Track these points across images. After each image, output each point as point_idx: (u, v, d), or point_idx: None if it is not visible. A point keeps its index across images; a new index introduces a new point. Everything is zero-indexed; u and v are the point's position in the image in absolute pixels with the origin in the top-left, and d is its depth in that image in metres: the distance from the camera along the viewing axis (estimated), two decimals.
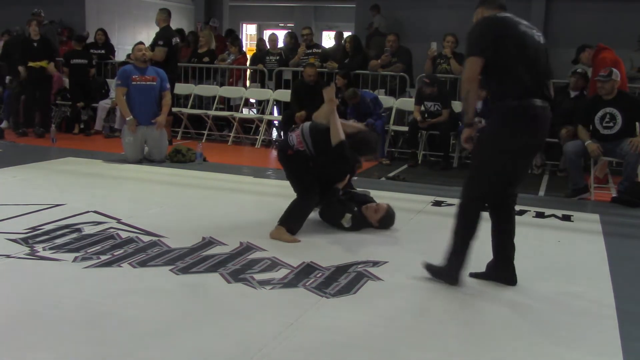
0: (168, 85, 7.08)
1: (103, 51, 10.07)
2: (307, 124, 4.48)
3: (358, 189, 4.86)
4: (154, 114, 6.87)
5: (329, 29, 14.31)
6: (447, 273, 3.42)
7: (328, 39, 17.10)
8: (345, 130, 4.32)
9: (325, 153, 4.31)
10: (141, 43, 7.23)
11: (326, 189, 4.44)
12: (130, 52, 10.73)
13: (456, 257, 3.37)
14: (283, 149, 4.50)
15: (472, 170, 3.49)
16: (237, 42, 10.16)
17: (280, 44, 9.82)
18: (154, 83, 6.90)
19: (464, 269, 3.41)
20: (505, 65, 3.23)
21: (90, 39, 10.68)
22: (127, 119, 6.73)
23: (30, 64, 8.73)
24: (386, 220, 4.51)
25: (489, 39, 3.26)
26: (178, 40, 8.38)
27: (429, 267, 3.51)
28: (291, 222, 4.24)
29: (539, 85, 3.24)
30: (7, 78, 9.31)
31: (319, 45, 9.85)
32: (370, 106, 7.66)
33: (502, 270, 3.48)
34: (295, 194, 4.44)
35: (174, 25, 8.91)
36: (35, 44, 8.82)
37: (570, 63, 7.85)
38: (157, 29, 8.16)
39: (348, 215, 4.42)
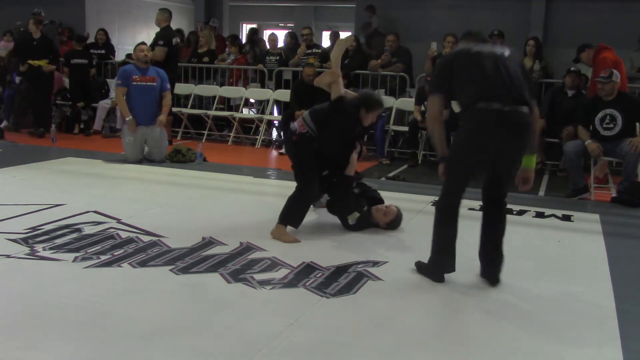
0: (168, 86, 7.08)
1: (103, 51, 10.07)
2: (307, 111, 4.48)
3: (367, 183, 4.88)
4: (154, 114, 6.86)
5: (329, 29, 14.29)
6: (431, 270, 3.53)
7: (328, 39, 17.07)
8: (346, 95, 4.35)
9: (328, 126, 4.27)
10: (143, 43, 7.21)
11: (334, 171, 4.41)
12: (131, 51, 10.83)
13: (437, 255, 3.50)
14: (288, 138, 4.49)
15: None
16: (237, 42, 10.16)
17: (281, 44, 9.82)
18: (155, 84, 6.89)
19: (450, 266, 3.48)
20: (460, 86, 3.37)
21: (91, 39, 10.69)
22: (127, 119, 6.73)
23: (30, 62, 8.73)
24: (394, 223, 4.53)
25: (444, 74, 3.45)
26: (178, 40, 8.38)
27: (418, 264, 3.64)
28: (290, 218, 4.25)
29: (500, 91, 3.23)
30: (18, 78, 9.30)
31: (318, 45, 9.85)
32: None
33: (485, 269, 3.54)
34: (294, 187, 4.43)
35: (174, 25, 8.92)
36: (35, 43, 8.82)
37: (569, 63, 7.86)
38: (157, 29, 8.16)
39: (356, 215, 4.42)
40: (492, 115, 3.21)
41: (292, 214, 4.26)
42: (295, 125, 4.39)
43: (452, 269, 3.48)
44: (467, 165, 3.40)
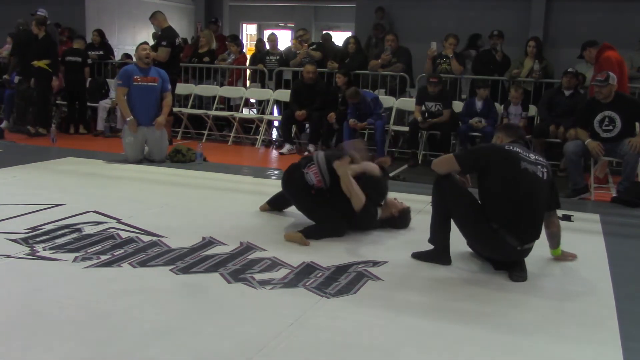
0: (169, 86, 7.07)
1: (101, 52, 10.06)
2: (321, 154, 4.41)
3: None
4: (155, 115, 6.85)
5: (329, 29, 14.29)
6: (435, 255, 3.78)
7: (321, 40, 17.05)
8: (355, 175, 4.27)
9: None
10: (145, 43, 7.19)
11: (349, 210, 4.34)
12: (131, 52, 10.83)
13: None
14: (304, 187, 4.35)
15: None
16: (237, 42, 10.16)
17: (280, 44, 9.82)
18: (156, 84, 6.88)
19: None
20: (492, 189, 3.56)
21: (89, 40, 10.69)
22: (128, 119, 6.72)
23: (34, 62, 8.75)
24: (405, 216, 4.52)
25: (479, 164, 3.63)
26: (180, 41, 8.38)
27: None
28: (312, 236, 4.15)
29: (524, 231, 3.55)
30: (16, 78, 9.30)
31: (319, 44, 9.84)
32: (371, 106, 7.67)
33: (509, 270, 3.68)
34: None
35: (173, 25, 8.91)
36: (37, 42, 8.83)
37: (569, 63, 7.87)
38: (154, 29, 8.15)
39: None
40: (507, 247, 3.54)
41: (316, 234, 4.17)
42: (311, 178, 4.31)
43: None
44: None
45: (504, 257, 3.66)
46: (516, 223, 3.52)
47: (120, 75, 7.03)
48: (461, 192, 3.67)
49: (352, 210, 4.21)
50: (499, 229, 3.51)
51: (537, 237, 3.64)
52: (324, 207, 4.30)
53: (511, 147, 3.63)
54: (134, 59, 7.30)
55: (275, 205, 4.86)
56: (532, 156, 3.65)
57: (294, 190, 4.46)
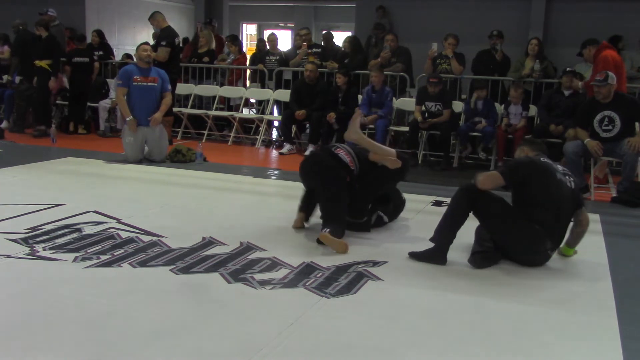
0: (169, 87, 7.08)
1: (101, 52, 10.06)
2: (349, 147, 4.44)
3: None
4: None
5: (329, 28, 14.28)
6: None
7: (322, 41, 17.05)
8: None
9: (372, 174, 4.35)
10: (146, 43, 7.20)
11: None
12: (131, 52, 10.82)
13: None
14: (334, 166, 4.28)
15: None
16: (237, 42, 10.16)
17: (280, 44, 9.81)
18: (155, 84, 6.88)
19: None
20: (532, 198, 3.79)
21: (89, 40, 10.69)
22: (127, 119, 6.72)
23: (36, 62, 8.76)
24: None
25: (523, 176, 3.84)
26: (180, 40, 8.38)
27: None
28: (340, 231, 4.05)
29: (556, 235, 3.82)
30: (17, 78, 9.29)
31: (318, 45, 9.85)
32: (388, 97, 7.83)
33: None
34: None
35: (173, 25, 8.91)
36: (40, 42, 8.83)
37: (569, 63, 7.87)
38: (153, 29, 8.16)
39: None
40: (542, 248, 3.78)
41: (340, 225, 4.08)
42: (344, 156, 4.31)
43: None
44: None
45: (530, 258, 3.82)
46: (553, 229, 3.76)
47: (120, 75, 7.03)
48: (495, 197, 3.84)
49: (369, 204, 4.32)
50: (540, 230, 3.70)
51: (561, 244, 3.93)
52: (347, 191, 4.21)
53: (544, 160, 3.90)
54: (135, 59, 7.29)
55: (308, 208, 4.51)
56: (560, 167, 3.94)
57: (323, 168, 4.31)
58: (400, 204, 4.74)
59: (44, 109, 9.04)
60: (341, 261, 3.74)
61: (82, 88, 9.31)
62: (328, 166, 4.28)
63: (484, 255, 3.81)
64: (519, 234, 3.78)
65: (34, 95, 8.93)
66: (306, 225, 4.46)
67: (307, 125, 8.64)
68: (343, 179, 4.23)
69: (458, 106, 7.89)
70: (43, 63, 8.79)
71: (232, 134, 8.92)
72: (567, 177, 3.86)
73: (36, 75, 8.83)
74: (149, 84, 6.86)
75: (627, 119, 5.83)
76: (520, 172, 3.86)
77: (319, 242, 3.99)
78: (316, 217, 4.37)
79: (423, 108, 7.62)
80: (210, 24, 10.82)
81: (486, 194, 3.80)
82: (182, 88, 9.31)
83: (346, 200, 4.17)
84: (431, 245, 3.83)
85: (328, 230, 3.94)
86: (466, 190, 3.83)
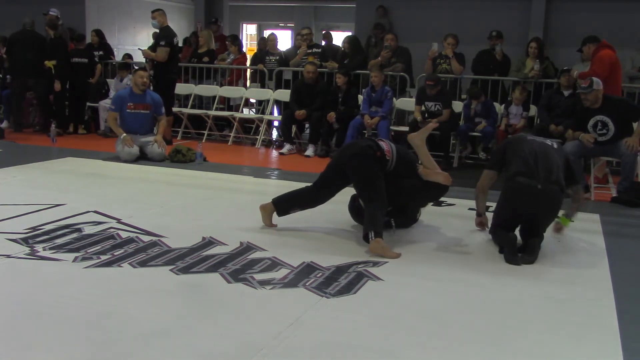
0: (163, 110, 7.25)
1: (101, 52, 10.06)
2: (394, 145, 4.39)
3: None
4: (150, 129, 7.11)
5: (329, 28, 14.28)
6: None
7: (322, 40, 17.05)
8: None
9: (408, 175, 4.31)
10: (143, 69, 7.30)
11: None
12: (131, 52, 10.85)
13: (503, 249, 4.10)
14: (371, 155, 4.22)
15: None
16: (237, 42, 10.16)
17: (280, 44, 9.81)
18: (147, 112, 7.06)
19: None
20: (509, 162, 4.17)
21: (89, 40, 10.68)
22: (122, 136, 6.81)
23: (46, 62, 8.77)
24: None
25: (500, 154, 4.31)
26: (178, 40, 8.38)
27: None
28: (379, 228, 4.01)
29: (539, 172, 3.98)
30: (8, 77, 9.29)
31: (319, 45, 9.85)
32: (388, 95, 7.81)
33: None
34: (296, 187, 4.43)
35: (173, 25, 8.92)
36: (47, 43, 8.85)
37: (569, 63, 7.86)
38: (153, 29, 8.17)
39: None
40: (527, 188, 3.94)
41: (378, 224, 4.03)
42: (383, 145, 4.25)
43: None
44: (505, 225, 4.12)
45: (528, 201, 3.96)
46: (532, 171, 3.97)
47: (113, 101, 7.22)
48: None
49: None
50: (514, 176, 4.00)
51: (556, 182, 3.98)
52: (382, 180, 4.15)
53: (524, 135, 4.38)
54: (131, 84, 7.37)
55: (287, 206, 4.48)
56: (544, 139, 4.30)
57: (358, 153, 4.25)
58: (412, 220, 4.59)
59: (46, 111, 9.05)
60: (341, 261, 3.74)
61: (80, 88, 9.30)
62: (362, 146, 4.30)
63: (511, 250, 3.92)
64: (503, 197, 4.13)
65: (24, 93, 8.98)
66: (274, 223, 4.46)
67: (307, 125, 8.64)
68: (375, 159, 4.18)
69: (458, 106, 7.89)
70: (50, 64, 8.81)
71: (232, 134, 8.92)
72: (547, 140, 4.24)
73: (40, 76, 8.84)
74: (142, 111, 7.00)
75: (621, 121, 5.80)
76: (498, 153, 4.34)
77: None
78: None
79: (423, 108, 7.62)
80: (215, 24, 10.83)
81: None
82: (182, 88, 9.31)
83: (383, 189, 4.12)
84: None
85: (374, 234, 3.92)
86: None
